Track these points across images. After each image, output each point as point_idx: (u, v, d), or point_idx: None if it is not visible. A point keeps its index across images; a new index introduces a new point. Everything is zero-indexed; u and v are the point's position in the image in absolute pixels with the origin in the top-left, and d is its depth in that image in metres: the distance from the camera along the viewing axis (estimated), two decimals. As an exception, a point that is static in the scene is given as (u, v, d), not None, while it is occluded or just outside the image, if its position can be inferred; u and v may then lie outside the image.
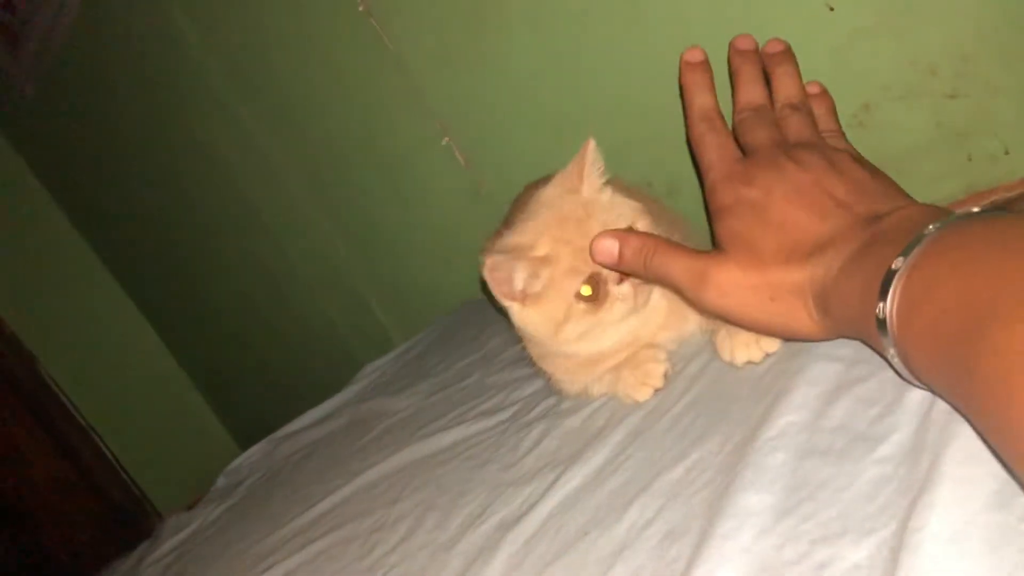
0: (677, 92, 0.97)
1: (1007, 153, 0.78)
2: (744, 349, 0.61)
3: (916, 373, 0.43)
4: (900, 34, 0.83)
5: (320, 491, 1.02)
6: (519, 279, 0.68)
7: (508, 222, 0.79)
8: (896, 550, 0.38)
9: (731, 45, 0.66)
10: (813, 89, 0.66)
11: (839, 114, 0.67)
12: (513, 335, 1.08)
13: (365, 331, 1.70)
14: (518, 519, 0.64)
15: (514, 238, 0.70)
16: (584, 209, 0.68)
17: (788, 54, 0.66)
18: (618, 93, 1.05)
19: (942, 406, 0.45)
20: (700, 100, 0.63)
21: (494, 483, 0.74)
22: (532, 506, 0.64)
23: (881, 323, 0.43)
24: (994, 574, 0.35)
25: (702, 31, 0.95)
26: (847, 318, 0.49)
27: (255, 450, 1.47)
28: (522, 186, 1.02)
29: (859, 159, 0.57)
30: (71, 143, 2.10)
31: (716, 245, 0.58)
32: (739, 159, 0.59)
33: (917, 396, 0.47)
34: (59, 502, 2.11)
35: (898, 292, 0.42)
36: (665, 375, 0.69)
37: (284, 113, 1.53)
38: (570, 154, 0.92)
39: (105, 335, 2.27)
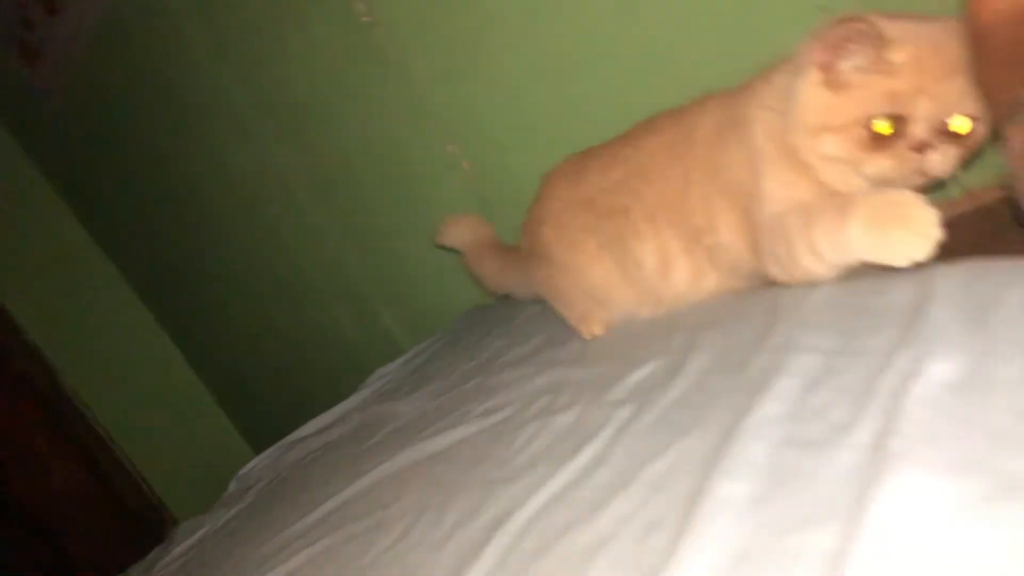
0: (672, 93, 0.98)
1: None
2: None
3: None
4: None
5: (323, 494, 1.02)
6: (854, 57, 0.62)
7: None
8: (865, 533, 0.38)
9: None
10: None
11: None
12: (516, 337, 1.10)
13: (375, 337, 1.71)
14: (507, 516, 0.64)
15: (887, 23, 0.62)
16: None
17: None
18: (616, 95, 1.06)
19: (914, 390, 0.45)
20: None
21: (487, 481, 0.74)
22: (521, 503, 0.65)
23: None
24: (956, 550, 0.35)
25: (697, 33, 0.96)
26: None
27: (266, 455, 1.48)
28: (527, 189, 1.03)
29: None
30: (90, 156, 2.14)
31: None
32: None
33: (890, 382, 0.47)
34: (78, 511, 2.14)
35: None
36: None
37: (294, 124, 1.55)
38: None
39: (124, 346, 2.30)
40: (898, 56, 0.61)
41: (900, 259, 0.57)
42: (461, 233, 1.21)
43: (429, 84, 1.28)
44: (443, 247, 1.25)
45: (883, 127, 0.62)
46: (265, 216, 1.77)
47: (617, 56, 1.04)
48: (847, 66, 0.63)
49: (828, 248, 0.63)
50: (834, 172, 0.66)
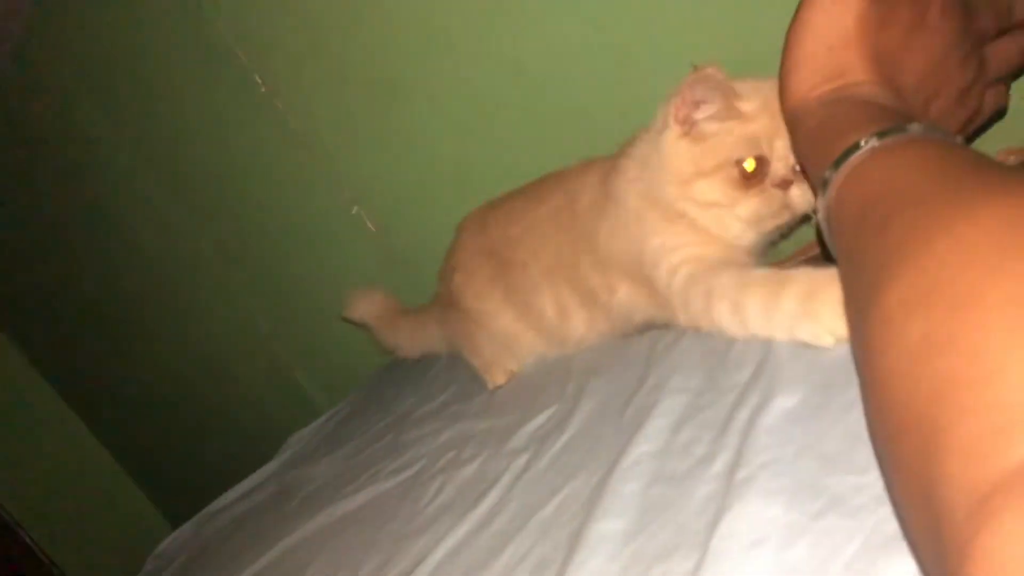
0: (566, 148, 1.03)
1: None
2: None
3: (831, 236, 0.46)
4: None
5: (241, 564, 1.02)
6: (708, 108, 0.67)
7: None
8: (711, 558, 0.42)
9: None
10: None
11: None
12: (426, 393, 1.13)
13: (291, 401, 1.71)
14: (413, 569, 0.67)
15: (735, 82, 0.68)
16: None
17: None
18: (516, 153, 1.11)
19: (762, 422, 0.50)
20: None
21: (397, 536, 0.76)
22: (425, 557, 0.67)
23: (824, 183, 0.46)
24: (786, 566, 0.39)
25: (587, 92, 1.01)
26: (811, 128, 0.52)
27: (183, 530, 1.45)
28: (431, 246, 1.07)
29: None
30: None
31: None
32: None
33: (744, 415, 0.52)
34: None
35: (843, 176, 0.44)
36: None
37: (199, 195, 1.56)
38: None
39: (26, 424, 2.21)
40: (747, 106, 0.68)
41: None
42: (367, 307, 1.23)
43: (332, 148, 1.31)
44: (350, 321, 1.26)
45: (751, 164, 0.68)
46: (175, 288, 1.76)
47: (515, 115, 1.09)
48: (702, 116, 0.69)
49: (757, 316, 0.61)
50: (710, 217, 0.72)
